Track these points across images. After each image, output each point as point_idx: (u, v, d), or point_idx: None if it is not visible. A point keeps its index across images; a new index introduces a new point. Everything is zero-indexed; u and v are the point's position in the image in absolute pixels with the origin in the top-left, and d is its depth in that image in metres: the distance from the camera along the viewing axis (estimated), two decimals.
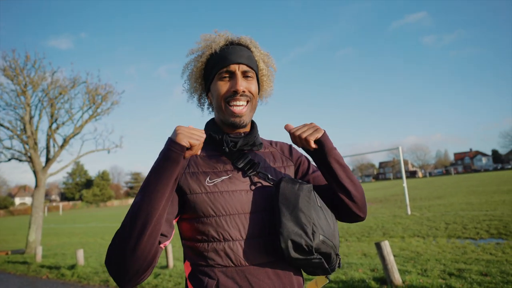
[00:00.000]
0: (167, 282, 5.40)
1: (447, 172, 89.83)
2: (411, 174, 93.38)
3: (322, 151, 0.98)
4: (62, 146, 11.46)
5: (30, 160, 11.01)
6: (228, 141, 1.01)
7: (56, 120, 11.56)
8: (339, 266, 1.00)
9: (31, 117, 11.22)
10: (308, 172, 1.12)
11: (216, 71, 1.02)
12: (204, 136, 0.88)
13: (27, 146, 11.01)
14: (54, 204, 74.17)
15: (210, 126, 1.09)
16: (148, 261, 0.83)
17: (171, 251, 6.55)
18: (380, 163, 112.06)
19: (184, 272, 5.90)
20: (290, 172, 1.10)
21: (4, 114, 11.89)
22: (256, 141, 1.07)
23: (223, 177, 0.99)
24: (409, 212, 11.86)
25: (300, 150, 1.17)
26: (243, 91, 1.00)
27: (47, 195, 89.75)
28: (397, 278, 4.11)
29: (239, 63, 1.01)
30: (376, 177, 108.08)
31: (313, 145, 0.97)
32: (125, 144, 13.83)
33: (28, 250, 10.48)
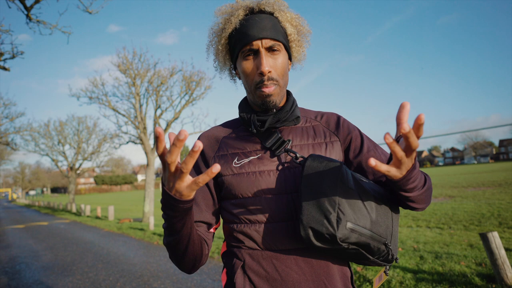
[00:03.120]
0: None
1: None
2: None
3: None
4: (165, 130, 12.90)
5: (142, 142, 12.74)
6: (256, 121, 0.95)
7: (159, 106, 13.05)
8: (392, 258, 0.85)
9: (140, 105, 12.90)
10: (361, 151, 0.96)
11: (238, 49, 0.93)
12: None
13: (138, 131, 12.75)
14: None
15: (242, 106, 1.03)
16: (197, 258, 0.90)
17: None
18: (501, 141, 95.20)
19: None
20: (335, 149, 0.96)
21: (121, 104, 13.93)
22: (290, 116, 0.97)
23: (251, 158, 0.94)
24: None
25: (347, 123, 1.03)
26: (269, 72, 0.90)
27: (161, 173, 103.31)
28: (510, 277, 3.49)
29: (261, 38, 0.90)
30: (496, 157, 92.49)
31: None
32: None
33: (144, 219, 12.30)
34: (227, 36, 0.97)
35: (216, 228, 0.99)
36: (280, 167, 0.92)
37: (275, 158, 0.93)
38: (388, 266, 0.89)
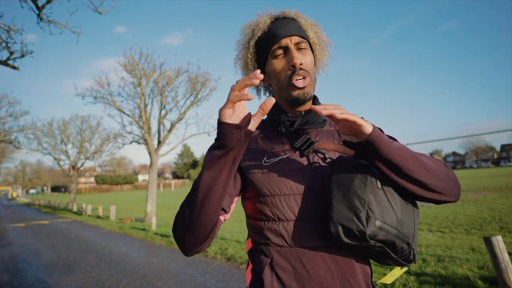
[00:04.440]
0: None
1: None
2: None
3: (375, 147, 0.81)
4: (169, 130, 12.97)
5: (146, 142, 12.80)
6: (285, 121, 0.98)
7: (164, 107, 13.11)
8: (413, 259, 0.88)
9: (145, 105, 12.96)
10: None
11: (268, 50, 0.98)
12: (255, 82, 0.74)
13: (143, 131, 12.81)
14: (167, 181, 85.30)
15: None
16: (207, 231, 0.87)
17: None
18: (503, 146, 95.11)
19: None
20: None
21: (126, 104, 14.00)
22: (318, 119, 1.01)
23: (281, 157, 0.97)
24: None
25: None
26: (301, 64, 0.94)
27: (162, 173, 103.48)
28: None
29: (289, 36, 0.96)
30: (497, 162, 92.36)
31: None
32: None
33: (146, 219, 12.34)
34: (254, 43, 1.02)
35: (225, 219, 0.98)
36: (307, 167, 0.95)
37: (304, 158, 0.96)
38: (409, 266, 0.91)
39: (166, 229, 9.83)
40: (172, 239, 8.13)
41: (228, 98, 0.77)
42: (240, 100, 0.76)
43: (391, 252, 0.84)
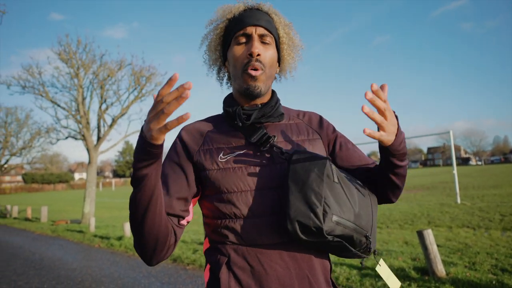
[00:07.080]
0: (204, 257, 5.61)
1: (506, 160, 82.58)
2: (464, 161, 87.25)
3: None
4: (111, 126, 12.18)
5: (84, 138, 11.87)
6: (241, 114, 0.94)
7: (105, 101, 12.26)
8: (370, 250, 0.87)
9: (83, 98, 12.01)
10: (348, 148, 1.02)
11: (232, 35, 0.97)
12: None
13: (80, 126, 11.86)
14: (107, 180, 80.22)
15: (227, 101, 1.02)
16: (161, 240, 0.83)
17: None
18: (429, 149, 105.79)
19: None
20: (317, 146, 0.99)
21: (61, 96, 12.92)
22: (275, 112, 0.98)
23: (237, 152, 0.93)
24: (459, 201, 11.11)
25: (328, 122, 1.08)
26: (258, 55, 0.92)
27: (101, 172, 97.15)
28: (440, 269, 3.88)
29: (256, 25, 0.95)
30: (424, 163, 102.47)
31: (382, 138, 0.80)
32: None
33: (84, 220, 11.46)
34: (224, 26, 1.01)
35: (188, 222, 0.95)
36: (265, 162, 0.92)
37: (260, 154, 0.93)
38: (364, 258, 0.91)
39: (106, 231, 9.22)
40: (113, 241, 7.65)
41: (158, 115, 0.68)
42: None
43: (350, 246, 0.84)
